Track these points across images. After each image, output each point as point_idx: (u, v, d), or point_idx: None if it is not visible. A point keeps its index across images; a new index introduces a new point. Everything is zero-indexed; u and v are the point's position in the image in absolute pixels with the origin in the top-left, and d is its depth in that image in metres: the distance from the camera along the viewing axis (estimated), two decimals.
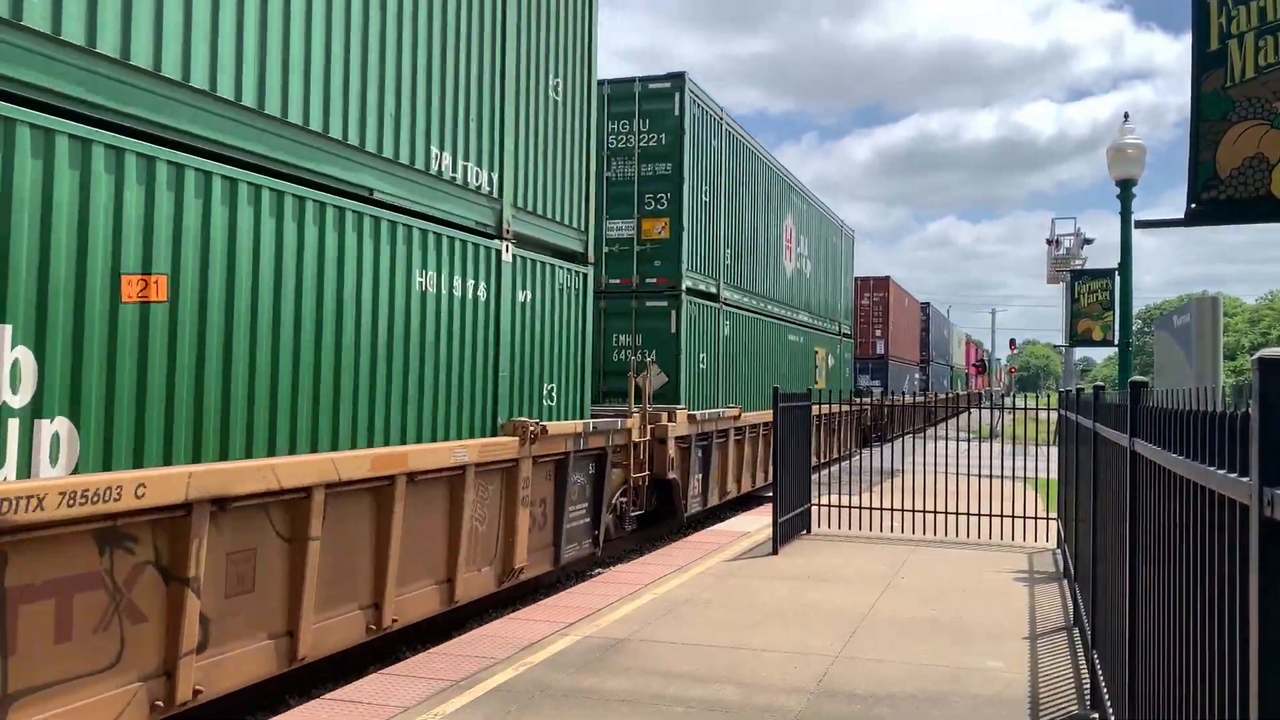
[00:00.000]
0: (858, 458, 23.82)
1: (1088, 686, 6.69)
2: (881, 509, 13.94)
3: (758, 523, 14.58)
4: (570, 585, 11.49)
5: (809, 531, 13.68)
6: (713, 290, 16.90)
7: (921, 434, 34.09)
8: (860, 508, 14.06)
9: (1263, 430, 2.04)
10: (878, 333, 39.31)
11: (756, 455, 19.40)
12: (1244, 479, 2.22)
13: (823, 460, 23.09)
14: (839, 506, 14.12)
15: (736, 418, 17.36)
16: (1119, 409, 5.13)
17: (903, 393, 31.46)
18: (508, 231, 10.05)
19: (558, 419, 11.08)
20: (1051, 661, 7.56)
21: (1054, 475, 12.97)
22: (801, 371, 23.45)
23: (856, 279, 37.76)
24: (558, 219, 11.25)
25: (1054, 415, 13.94)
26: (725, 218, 17.62)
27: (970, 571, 11.18)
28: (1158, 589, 3.73)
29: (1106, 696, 5.55)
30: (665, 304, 15.37)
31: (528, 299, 10.50)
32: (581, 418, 11.68)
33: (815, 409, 22.34)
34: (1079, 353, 38.81)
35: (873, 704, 6.53)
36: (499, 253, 9.90)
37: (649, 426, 13.85)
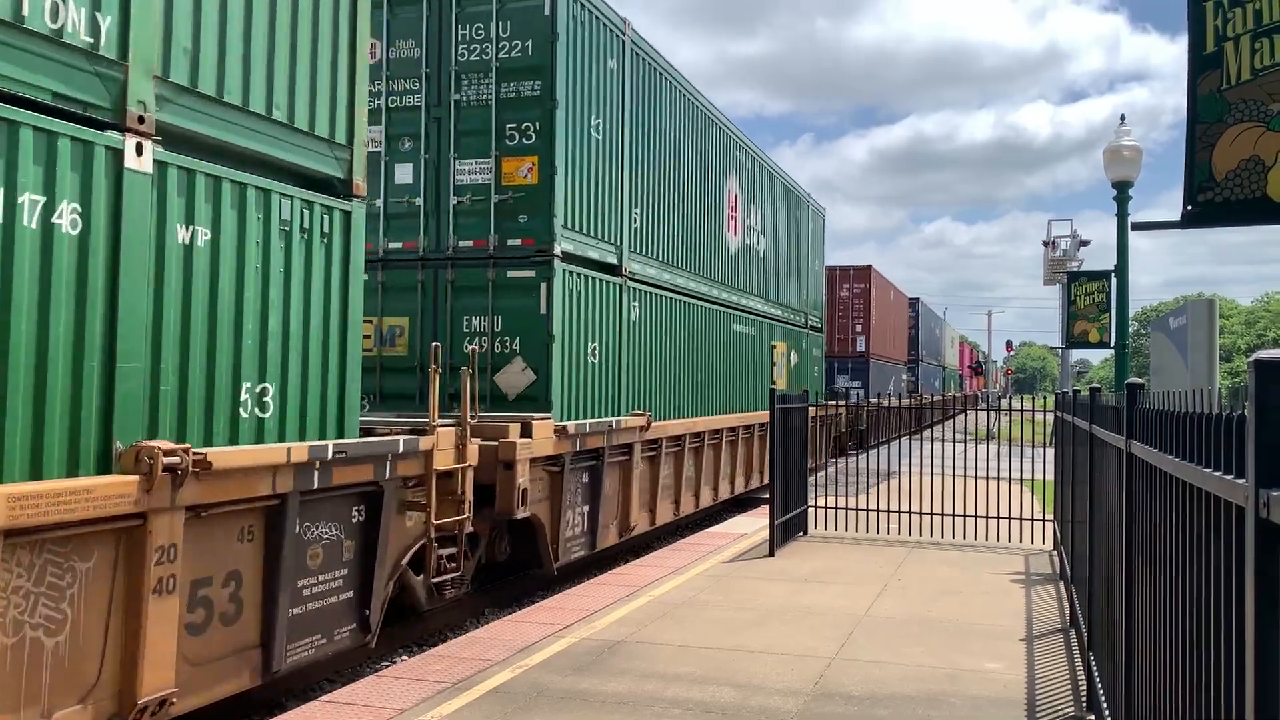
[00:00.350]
0: (844, 462, 22.45)
1: (1084, 688, 6.70)
2: (879, 510, 13.95)
3: (755, 524, 14.58)
4: (567, 587, 11.48)
5: (806, 533, 13.69)
6: (610, 260, 12.86)
7: (908, 439, 32.50)
8: (857, 509, 14.06)
9: (1259, 432, 2.04)
10: (858, 328, 35.49)
11: (684, 475, 15.28)
12: (1240, 481, 2.22)
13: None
14: (836, 508, 14.12)
15: (644, 428, 13.24)
16: (1115, 411, 5.13)
17: (887, 395, 28.02)
18: (142, 119, 6.04)
19: (280, 438, 7.00)
20: (1048, 663, 7.57)
21: (1050, 477, 12.98)
22: (752, 369, 19.50)
23: (834, 268, 34.91)
24: (284, 120, 7.22)
25: (1050, 417, 13.96)
26: (631, 165, 13.50)
27: (967, 573, 11.19)
28: (1154, 591, 3.74)
29: (1103, 698, 5.56)
30: (532, 274, 11.30)
31: (201, 240, 6.46)
32: (339, 435, 7.64)
33: (766, 415, 19.71)
34: (1075, 354, 38.42)
35: (870, 705, 6.53)
36: (118, 153, 5.88)
37: (479, 445, 9.57)
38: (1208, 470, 2.61)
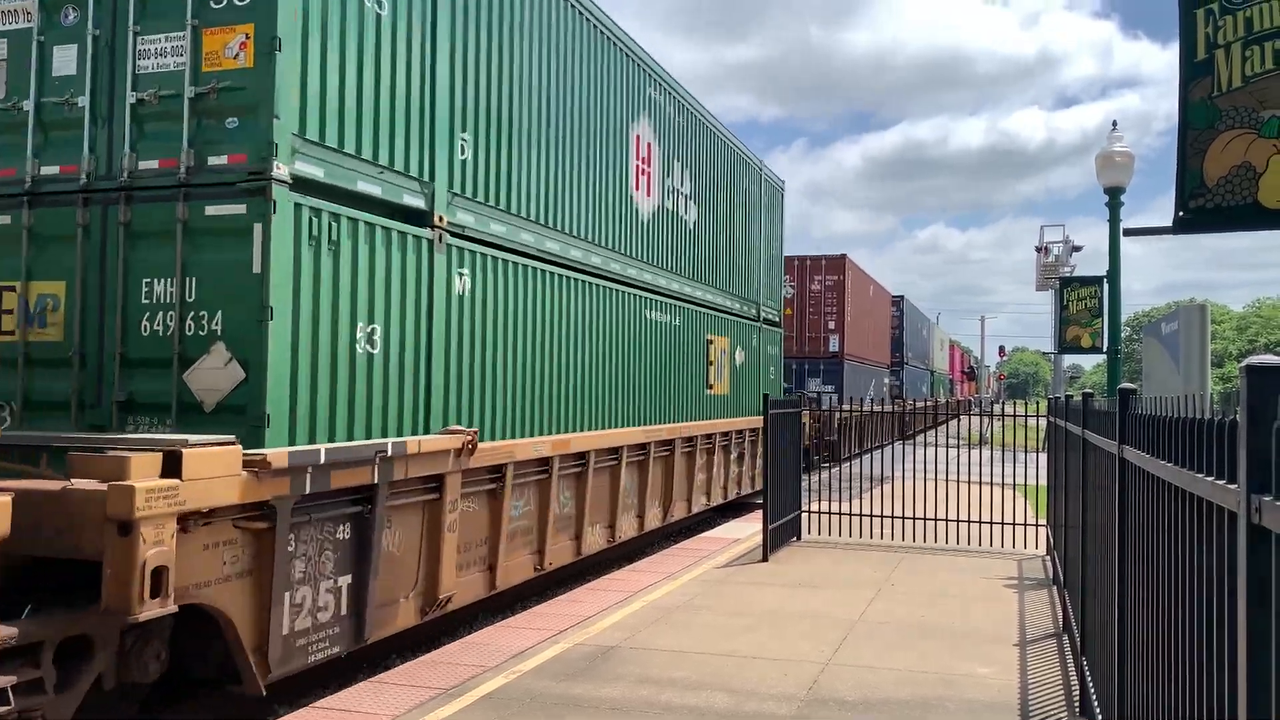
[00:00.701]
0: (835, 469, 20.06)
1: (1077, 693, 6.70)
2: (872, 515, 13.96)
3: (748, 529, 14.58)
4: (560, 593, 11.46)
5: (799, 538, 13.69)
6: (414, 203, 8.73)
7: (890, 448, 27.93)
8: (850, 514, 14.07)
9: (1250, 437, 2.05)
10: (830, 325, 32.35)
11: (552, 514, 11.12)
12: (1232, 486, 2.23)
13: (710, 503, 17.14)
14: (829, 513, 14.13)
15: (466, 451, 8.94)
16: (1108, 416, 5.15)
17: (864, 400, 24.85)
18: None
19: None
20: (1041, 668, 7.58)
21: (1043, 481, 13.01)
22: (677, 368, 15.39)
23: (805, 258, 32.58)
24: None
25: (1042, 422, 13.98)
26: (455, 69, 9.33)
27: (960, 578, 11.20)
28: (1147, 595, 3.75)
29: (1096, 703, 5.57)
30: (240, 209, 7.15)
31: None
32: None
33: (697, 427, 16.01)
34: (1068, 359, 38.42)
35: (863, 710, 6.54)
36: None
37: (26, 493, 5.79)
38: (1200, 475, 2.63)
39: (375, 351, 8.21)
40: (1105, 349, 16.87)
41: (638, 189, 14.02)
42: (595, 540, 12.58)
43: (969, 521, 13.63)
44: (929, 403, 46.57)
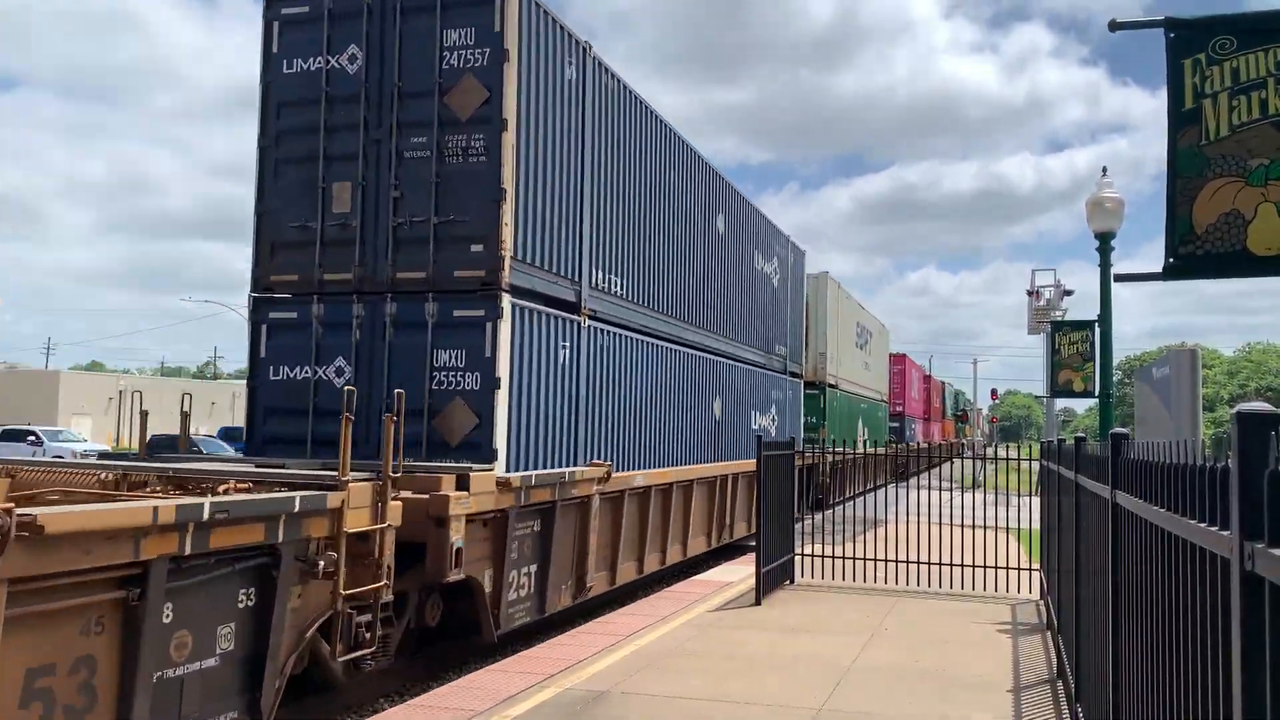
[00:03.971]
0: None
1: None
2: (865, 559, 13.89)
3: (740, 572, 14.50)
4: (551, 635, 11.36)
5: (793, 582, 13.62)
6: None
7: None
8: (844, 558, 14.00)
9: (1242, 484, 2.05)
10: None
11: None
12: (1224, 532, 2.24)
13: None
14: (823, 556, 14.06)
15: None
16: (1100, 461, 5.15)
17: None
18: None
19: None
20: (1035, 714, 7.52)
21: (1037, 525, 12.98)
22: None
23: None
24: None
25: (1033, 465, 13.97)
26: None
27: (954, 622, 11.13)
28: (1140, 642, 3.73)
29: None
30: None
31: None
32: None
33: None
34: (1061, 403, 38.35)
35: None
36: None
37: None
38: (1192, 521, 2.63)
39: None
40: (1097, 393, 16.91)
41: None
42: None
43: (963, 566, 13.58)
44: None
